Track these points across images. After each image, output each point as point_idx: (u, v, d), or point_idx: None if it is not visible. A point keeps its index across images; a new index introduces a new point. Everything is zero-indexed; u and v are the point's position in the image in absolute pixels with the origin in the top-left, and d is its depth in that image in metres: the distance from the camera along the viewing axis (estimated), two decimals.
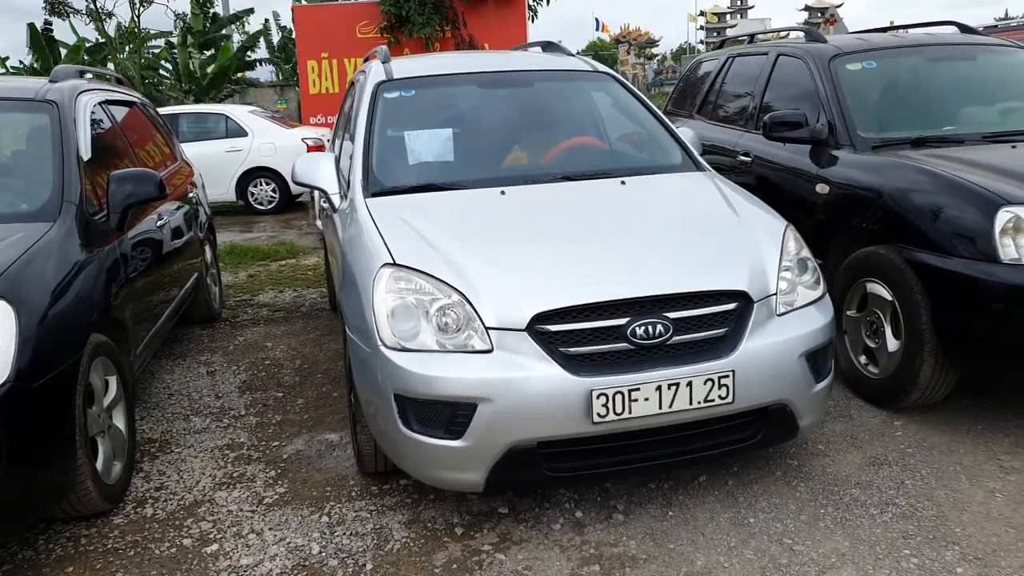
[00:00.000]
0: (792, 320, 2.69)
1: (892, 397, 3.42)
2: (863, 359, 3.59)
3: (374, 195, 3.16)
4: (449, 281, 2.50)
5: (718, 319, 2.57)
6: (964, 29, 4.78)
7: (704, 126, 5.48)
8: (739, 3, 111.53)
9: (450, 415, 2.40)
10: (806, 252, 2.93)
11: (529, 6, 13.67)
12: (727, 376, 2.49)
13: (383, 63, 3.94)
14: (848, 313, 3.63)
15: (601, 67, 4.15)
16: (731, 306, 2.58)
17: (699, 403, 2.48)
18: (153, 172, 3.52)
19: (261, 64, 19.97)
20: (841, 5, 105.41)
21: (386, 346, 2.48)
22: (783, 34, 5.95)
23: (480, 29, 13.11)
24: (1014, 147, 3.53)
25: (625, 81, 4.08)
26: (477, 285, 2.49)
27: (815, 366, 2.71)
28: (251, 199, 10.39)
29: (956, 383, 3.32)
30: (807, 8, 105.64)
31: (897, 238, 3.30)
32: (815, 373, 2.71)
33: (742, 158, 4.73)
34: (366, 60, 4.40)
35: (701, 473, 2.97)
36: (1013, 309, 2.86)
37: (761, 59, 4.92)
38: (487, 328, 2.42)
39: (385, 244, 2.70)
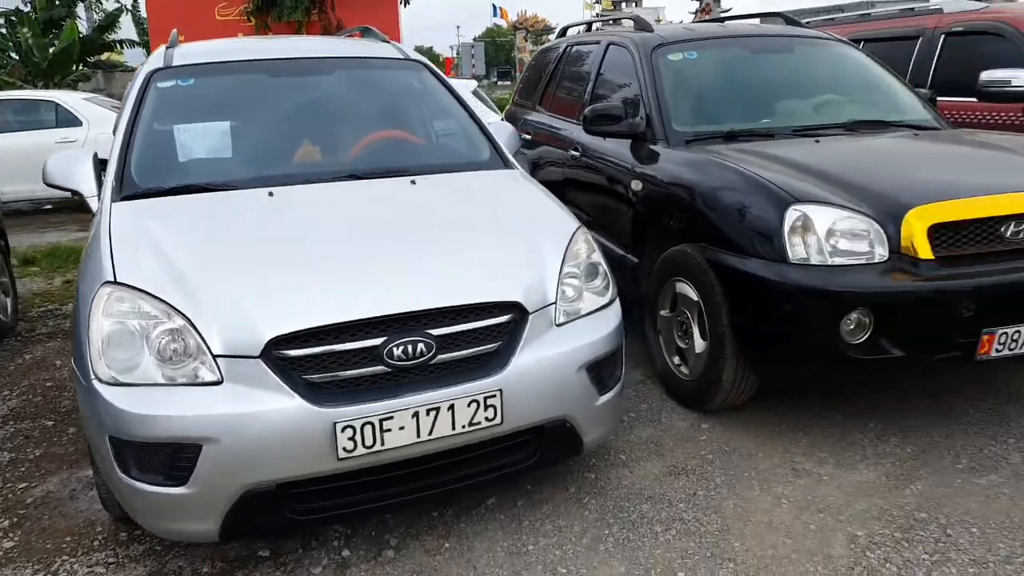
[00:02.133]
0: (573, 330, 2.53)
1: (700, 399, 3.34)
2: (676, 360, 3.50)
3: (126, 198, 2.80)
4: (173, 302, 2.19)
5: (489, 334, 2.37)
6: (789, 21, 4.77)
7: (544, 118, 5.32)
8: None
9: (171, 459, 2.10)
10: (597, 256, 2.77)
11: None
12: (494, 396, 2.30)
13: (167, 48, 3.56)
14: (662, 313, 3.53)
15: (414, 55, 3.90)
16: (503, 319, 2.39)
17: (464, 427, 2.28)
18: None
19: (123, 46, 18.63)
20: None
21: (100, 380, 2.15)
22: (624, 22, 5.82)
23: (349, 13, 12.62)
24: (817, 142, 3.50)
25: (439, 71, 3.84)
26: (206, 306, 2.19)
27: (598, 378, 2.56)
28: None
29: (760, 384, 3.27)
30: None
31: (700, 236, 3.20)
32: (598, 385, 2.56)
33: (572, 152, 4.58)
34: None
35: (491, 495, 2.78)
36: (801, 311, 2.79)
37: (594, 48, 4.78)
38: (215, 356, 2.13)
39: (112, 258, 2.37)
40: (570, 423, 2.51)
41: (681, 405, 3.47)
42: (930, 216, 2.75)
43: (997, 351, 2.76)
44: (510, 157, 3.46)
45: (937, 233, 2.76)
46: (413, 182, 3.03)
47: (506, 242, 2.65)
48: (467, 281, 2.43)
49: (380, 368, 2.21)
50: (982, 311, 2.73)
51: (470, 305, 2.35)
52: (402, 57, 3.84)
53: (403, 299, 2.29)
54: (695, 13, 38.04)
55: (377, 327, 2.23)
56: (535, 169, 5.32)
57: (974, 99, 4.75)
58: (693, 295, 3.23)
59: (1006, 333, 2.74)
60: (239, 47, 3.95)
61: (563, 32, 5.79)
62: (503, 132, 3.74)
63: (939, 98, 5.03)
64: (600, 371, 2.58)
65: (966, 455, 2.97)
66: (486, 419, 2.30)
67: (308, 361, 2.18)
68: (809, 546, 2.46)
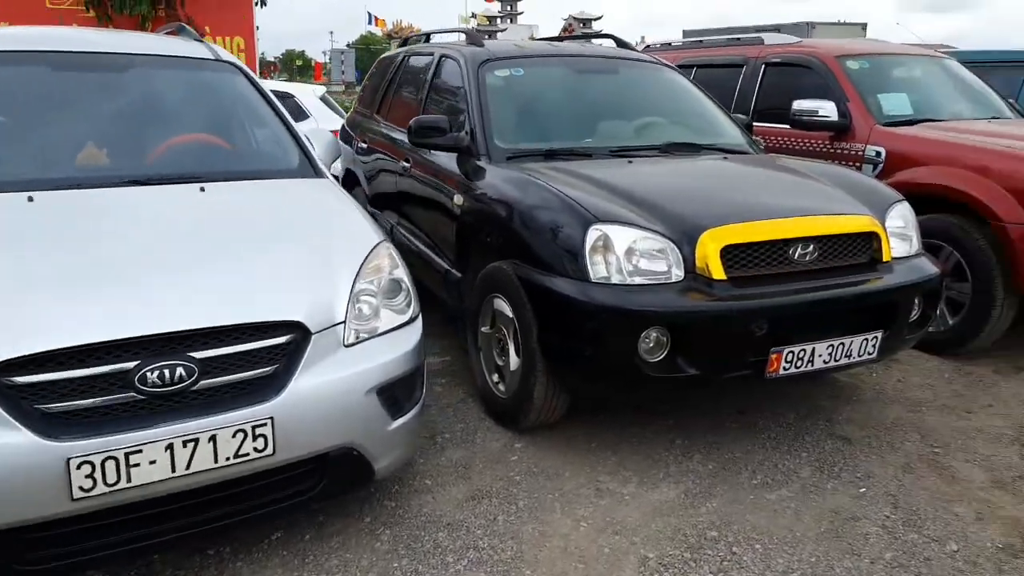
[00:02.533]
0: (364, 351, 2.40)
1: (514, 417, 3.29)
2: (495, 378, 3.44)
3: None
4: None
5: (264, 356, 2.20)
6: (620, 43, 4.86)
7: (381, 127, 5.17)
8: (509, 8, 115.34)
9: None
10: (400, 272, 2.66)
11: None
12: (264, 424, 2.13)
13: None
14: (482, 329, 3.46)
15: (226, 55, 3.67)
16: (281, 340, 2.23)
17: (228, 460, 2.09)
18: None
19: None
20: (600, 18, 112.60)
21: None
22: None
23: (200, 11, 11.99)
24: (630, 162, 3.54)
25: (252, 74, 3.62)
26: None
27: (392, 401, 2.44)
28: None
29: (573, 402, 3.25)
30: (571, 18, 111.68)
31: (513, 253, 3.16)
32: (392, 408, 2.44)
33: (404, 163, 4.46)
34: None
35: (278, 527, 2.60)
36: (602, 329, 2.78)
37: (428, 59, 4.69)
38: None
39: None
40: (358, 450, 2.38)
41: (498, 424, 3.41)
42: (722, 238, 2.82)
43: (785, 369, 2.85)
44: (321, 166, 3.30)
45: (729, 254, 2.83)
46: (203, 189, 2.82)
47: (294, 256, 2.49)
48: (242, 298, 2.25)
49: (129, 395, 2.00)
50: (770, 330, 2.82)
51: (243, 325, 2.18)
52: (212, 58, 3.59)
53: (163, 318, 2.08)
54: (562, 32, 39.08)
55: (129, 349, 2.02)
56: (370, 179, 5.18)
57: (787, 126, 5.00)
58: (508, 312, 3.18)
59: (792, 351, 2.83)
60: (23, 35, 3.58)
61: (404, 42, 5.69)
62: (320, 140, 3.57)
63: (760, 124, 5.31)
64: (394, 393, 2.46)
65: (762, 471, 3.05)
66: (255, 450, 2.13)
67: (43, 389, 1.94)
68: (600, 571, 2.43)
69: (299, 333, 2.25)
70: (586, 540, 2.58)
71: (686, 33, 14.36)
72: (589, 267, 2.81)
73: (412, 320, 2.63)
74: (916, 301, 3.22)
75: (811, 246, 2.96)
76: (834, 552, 2.54)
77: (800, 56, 5.30)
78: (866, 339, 2.96)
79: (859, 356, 2.99)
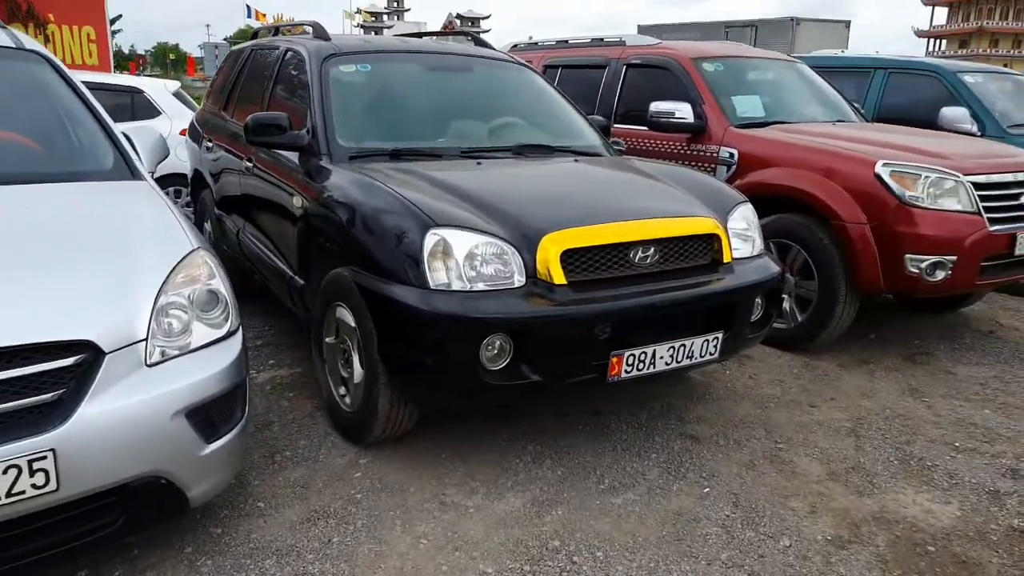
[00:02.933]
0: (170, 370, 2.19)
1: (360, 432, 3.14)
2: (342, 390, 3.27)
3: None
4: None
5: (46, 381, 1.96)
6: (478, 42, 4.77)
7: (228, 124, 4.88)
8: (395, 4, 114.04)
9: None
10: (218, 282, 2.45)
11: None
12: (43, 458, 1.90)
13: None
14: (327, 340, 3.28)
15: (32, 45, 3.33)
16: (67, 362, 1.99)
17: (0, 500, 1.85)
18: None
19: None
20: (488, 16, 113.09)
21: None
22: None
23: None
24: (479, 164, 3.45)
25: (61, 65, 3.30)
26: None
27: (207, 422, 2.25)
28: None
29: (423, 412, 3.14)
30: (458, 16, 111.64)
31: (353, 259, 3.00)
32: (205, 431, 2.24)
33: (247, 163, 4.21)
34: None
35: (83, 565, 2.35)
36: (443, 337, 2.67)
37: (274, 53, 4.45)
38: None
39: None
40: (166, 478, 2.17)
41: (345, 439, 3.25)
42: (562, 242, 2.76)
43: (627, 372, 2.83)
44: (140, 167, 3.04)
45: (570, 259, 2.77)
46: None
47: (88, 268, 2.25)
48: (21, 316, 2.00)
49: None
50: (611, 334, 2.78)
51: (21, 347, 1.94)
52: (13, 46, 3.25)
53: None
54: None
55: None
56: (217, 179, 4.88)
57: (646, 128, 5.05)
58: (351, 321, 3.02)
59: (633, 355, 2.81)
60: None
61: (254, 35, 5.40)
62: (146, 139, 3.31)
63: (621, 126, 5.35)
64: (208, 415, 2.27)
65: (610, 474, 3.02)
66: (33, 486, 1.90)
67: None
68: None
69: (90, 353, 2.03)
70: (424, 558, 2.47)
71: (641, 28, 14.41)
72: (428, 273, 2.69)
73: (230, 334, 2.43)
74: (757, 301, 3.28)
75: (652, 249, 2.95)
76: (673, 555, 2.52)
77: (658, 57, 5.37)
78: (707, 340, 2.98)
79: (701, 357, 3.00)
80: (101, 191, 2.80)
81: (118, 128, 3.27)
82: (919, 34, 77.52)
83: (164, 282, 2.28)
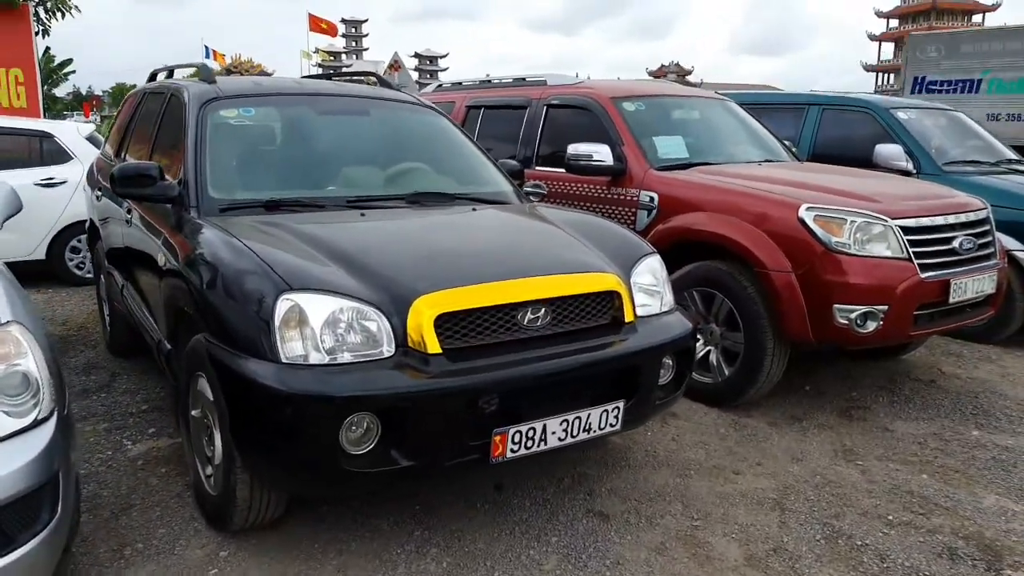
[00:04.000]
0: None
1: (222, 519, 2.77)
2: (208, 470, 2.90)
3: None
4: None
5: None
6: (382, 82, 4.51)
7: None
8: (354, 44, 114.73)
9: None
10: (29, 361, 2.12)
11: (39, 19, 11.60)
12: None
13: None
14: (193, 413, 2.92)
15: None
16: None
17: None
18: None
19: None
20: (447, 55, 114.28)
21: None
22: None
23: None
24: (363, 215, 3.14)
25: None
26: None
27: None
28: None
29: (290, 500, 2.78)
30: (417, 55, 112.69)
31: (207, 326, 2.65)
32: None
33: (126, 214, 3.86)
34: None
35: None
36: (296, 418, 2.32)
37: (161, 96, 4.12)
38: None
39: None
40: None
41: (210, 526, 2.87)
42: (437, 305, 2.45)
43: (513, 451, 2.51)
44: None
45: (446, 323, 2.47)
46: None
47: None
48: None
49: None
50: (494, 409, 2.47)
51: None
52: None
53: None
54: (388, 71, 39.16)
55: None
56: (104, 230, 4.52)
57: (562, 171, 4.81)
58: (210, 395, 2.67)
59: (520, 431, 2.50)
60: None
61: (152, 76, 5.08)
62: None
63: (542, 168, 5.11)
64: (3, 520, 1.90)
65: (501, 565, 2.69)
66: None
67: None
68: None
69: None
70: None
71: (914, 39, 12.44)
72: (280, 345, 2.36)
73: (39, 422, 2.07)
74: (667, 362, 3.00)
75: (542, 310, 2.65)
76: None
77: (578, 97, 5.15)
78: (606, 410, 2.68)
79: (600, 429, 2.70)
80: None
81: None
82: (867, 68, 79.81)
83: None
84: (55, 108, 24.74)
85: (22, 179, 6.65)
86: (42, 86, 26.79)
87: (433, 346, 2.42)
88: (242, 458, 2.52)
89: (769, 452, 3.68)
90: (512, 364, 2.51)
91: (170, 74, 4.59)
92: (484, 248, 2.94)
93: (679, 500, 3.18)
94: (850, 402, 4.37)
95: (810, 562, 2.76)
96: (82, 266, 7.04)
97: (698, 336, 4.22)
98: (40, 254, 6.81)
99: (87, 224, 5.32)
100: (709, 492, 3.26)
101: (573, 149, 4.63)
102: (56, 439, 2.10)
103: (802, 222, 3.82)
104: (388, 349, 2.42)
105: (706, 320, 4.23)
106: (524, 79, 5.80)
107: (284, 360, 2.35)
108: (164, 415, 3.96)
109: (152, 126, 4.07)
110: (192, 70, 4.52)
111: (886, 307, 3.75)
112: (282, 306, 2.38)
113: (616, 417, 2.72)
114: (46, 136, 6.99)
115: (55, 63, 29.81)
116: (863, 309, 3.73)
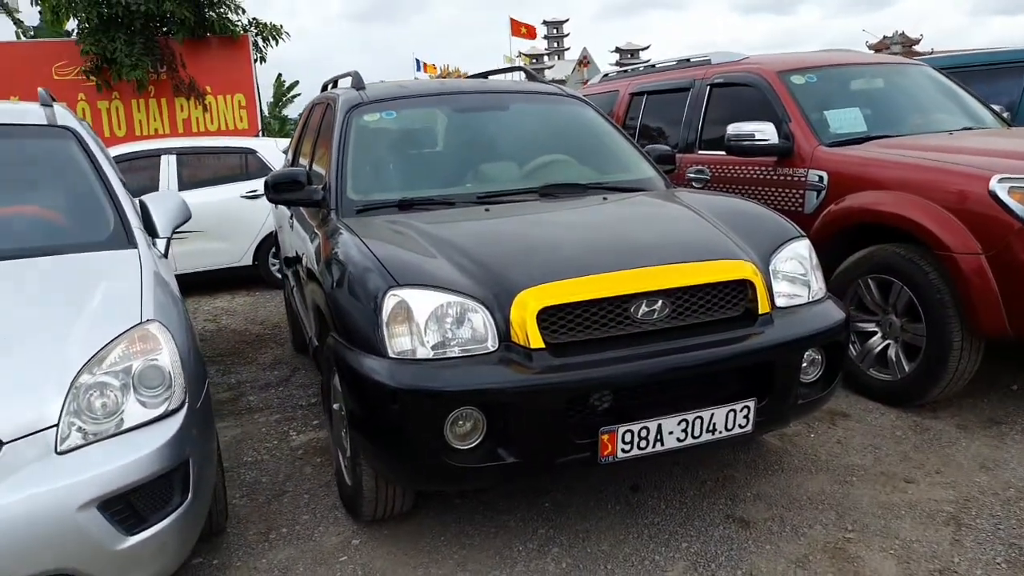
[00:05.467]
0: (83, 457, 2.04)
1: (355, 509, 2.90)
2: (346, 462, 3.03)
3: None
4: None
5: None
6: (530, 76, 4.48)
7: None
8: (556, 45, 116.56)
9: None
10: (164, 357, 2.29)
11: (257, 47, 12.88)
12: None
13: None
14: (335, 407, 3.06)
15: (64, 119, 3.41)
16: None
17: None
18: None
19: None
20: (648, 47, 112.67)
21: None
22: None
23: (200, 71, 12.18)
24: (487, 211, 3.12)
25: (86, 139, 3.36)
26: None
27: (126, 512, 2.08)
28: None
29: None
30: (618, 50, 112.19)
31: (333, 325, 2.77)
32: (126, 523, 2.07)
33: (289, 220, 4.15)
34: None
35: None
36: (405, 413, 2.35)
37: (324, 106, 4.39)
38: None
39: None
40: None
41: (348, 514, 3.01)
42: (541, 298, 2.38)
43: (624, 451, 2.37)
44: (139, 234, 3.00)
45: (550, 317, 2.38)
46: None
47: (8, 353, 2.16)
48: None
49: None
50: (600, 407, 2.36)
51: None
52: (44, 123, 3.36)
53: None
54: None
55: None
56: (280, 237, 4.90)
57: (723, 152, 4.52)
58: (341, 390, 2.79)
59: (631, 431, 2.35)
60: None
61: (324, 87, 5.41)
62: (164, 204, 3.30)
63: (705, 152, 4.85)
64: (130, 504, 2.10)
65: (622, 569, 2.56)
66: None
67: None
68: None
69: None
70: None
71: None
72: (388, 340, 2.40)
73: (171, 412, 2.26)
74: (815, 357, 2.71)
75: (659, 302, 2.48)
76: None
77: (742, 74, 4.81)
78: (733, 410, 2.46)
79: (728, 430, 2.48)
80: (81, 262, 2.76)
81: (133, 199, 3.26)
82: None
83: (90, 360, 2.16)
84: (286, 128, 27.41)
85: (232, 192, 7.45)
86: (275, 108, 29.57)
87: (536, 341, 2.35)
88: (360, 450, 2.61)
89: (953, 459, 3.21)
90: (620, 360, 2.37)
91: (335, 84, 4.87)
92: (600, 237, 2.81)
93: (833, 509, 2.86)
94: None
95: None
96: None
97: (869, 328, 3.81)
98: (247, 260, 7.53)
99: (274, 232, 5.80)
100: (871, 502, 2.90)
101: (733, 129, 4.32)
102: (187, 427, 2.27)
103: (993, 195, 3.28)
104: (492, 344, 2.39)
105: (884, 311, 3.78)
106: (688, 60, 5.52)
107: (392, 355, 2.39)
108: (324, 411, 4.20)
109: (316, 134, 4.34)
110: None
111: None
112: (389, 302, 2.42)
113: (746, 417, 2.49)
114: (250, 152, 7.74)
115: (285, 87, 32.97)
116: None
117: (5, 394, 2.02)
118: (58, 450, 2.02)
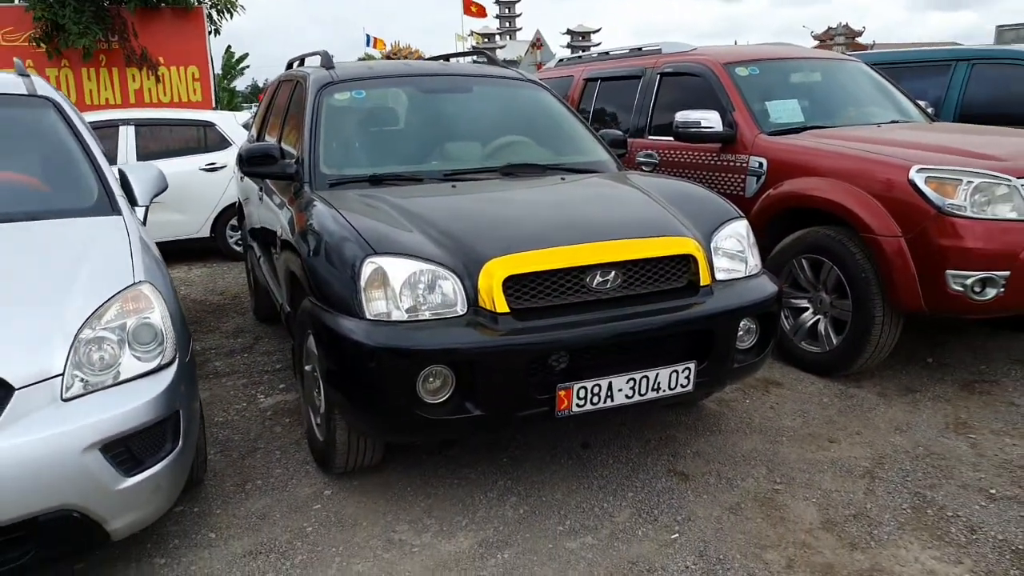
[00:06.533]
0: (86, 404, 2.21)
1: (326, 463, 3.11)
2: (318, 420, 3.23)
3: None
4: None
5: None
6: (490, 60, 4.69)
7: None
8: (508, 25, 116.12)
9: None
10: (155, 315, 2.46)
11: (211, 19, 12.73)
12: None
13: None
14: (306, 368, 3.27)
15: (43, 90, 3.51)
16: None
17: None
18: None
19: None
20: (599, 30, 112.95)
21: None
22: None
23: (153, 41, 12.00)
24: (454, 187, 3.35)
25: (66, 109, 3.46)
26: None
27: (125, 456, 2.26)
28: None
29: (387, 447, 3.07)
30: (569, 32, 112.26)
31: (310, 289, 2.97)
32: (125, 465, 2.25)
33: (259, 192, 4.30)
34: None
35: None
36: (381, 370, 2.57)
37: (290, 83, 4.54)
38: None
39: None
40: (80, 512, 2.19)
41: (319, 469, 3.22)
42: (506, 268, 2.62)
43: (578, 406, 2.64)
44: (122, 202, 3.14)
45: (514, 285, 2.63)
46: None
47: (13, 307, 2.32)
48: None
49: None
50: (557, 367, 2.62)
51: None
52: (24, 93, 3.45)
53: None
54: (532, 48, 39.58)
55: None
56: (246, 209, 5.03)
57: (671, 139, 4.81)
58: (315, 351, 2.99)
59: (584, 387, 2.62)
60: None
61: (289, 65, 5.53)
62: (142, 175, 3.43)
63: (655, 138, 5.13)
64: (128, 448, 2.28)
65: (575, 515, 2.83)
66: None
67: None
68: None
69: (2, 391, 2.08)
70: None
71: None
72: (365, 303, 2.62)
73: (163, 367, 2.44)
74: (749, 326, 3.01)
75: (612, 273, 2.75)
76: None
77: (690, 64, 5.10)
78: (675, 371, 2.74)
79: (671, 389, 2.77)
80: (71, 227, 2.89)
81: (112, 167, 3.38)
82: None
83: (90, 316, 2.32)
84: (234, 101, 26.79)
85: (191, 164, 7.48)
86: (223, 80, 28.99)
87: (501, 306, 2.59)
88: (336, 405, 2.82)
89: (871, 422, 3.57)
90: (575, 324, 2.63)
91: (301, 62, 5.00)
92: (560, 214, 3.06)
93: (764, 465, 3.18)
94: (976, 375, 4.12)
95: (891, 529, 2.70)
96: (240, 243, 7.79)
97: (801, 304, 4.15)
98: (205, 232, 7.59)
99: (236, 204, 5.91)
100: (798, 459, 3.23)
101: (681, 116, 4.61)
102: (177, 381, 2.46)
103: (912, 184, 3.63)
104: (461, 308, 2.62)
105: (815, 288, 4.13)
106: (640, 49, 5.80)
107: (369, 317, 2.61)
108: (294, 373, 4.39)
109: (284, 110, 4.48)
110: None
111: (1007, 273, 3.51)
112: (367, 268, 2.63)
113: (687, 378, 2.78)
114: (209, 125, 7.76)
115: (234, 59, 32.31)
116: (979, 275, 3.52)
117: (16, 345, 2.18)
118: (63, 397, 2.19)
